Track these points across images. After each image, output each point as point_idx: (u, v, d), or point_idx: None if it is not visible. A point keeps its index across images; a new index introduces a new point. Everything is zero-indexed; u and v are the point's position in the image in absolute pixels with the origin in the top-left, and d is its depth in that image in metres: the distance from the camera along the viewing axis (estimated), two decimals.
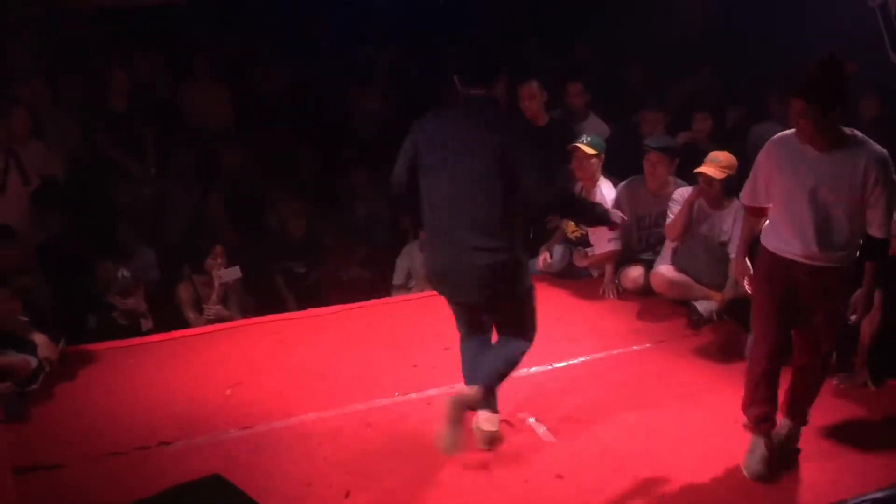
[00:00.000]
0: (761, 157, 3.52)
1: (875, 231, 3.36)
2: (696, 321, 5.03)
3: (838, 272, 3.41)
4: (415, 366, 4.51)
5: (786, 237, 3.43)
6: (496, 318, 3.67)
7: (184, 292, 5.23)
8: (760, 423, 3.57)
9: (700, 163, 5.06)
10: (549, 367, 4.51)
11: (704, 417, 4.01)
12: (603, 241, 5.50)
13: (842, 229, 3.35)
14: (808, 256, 3.38)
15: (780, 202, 3.47)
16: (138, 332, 4.90)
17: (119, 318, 4.91)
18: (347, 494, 3.40)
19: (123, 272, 4.97)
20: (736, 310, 4.77)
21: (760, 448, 3.54)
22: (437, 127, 3.47)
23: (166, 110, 6.51)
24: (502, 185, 3.33)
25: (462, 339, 3.75)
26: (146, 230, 5.79)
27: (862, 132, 3.35)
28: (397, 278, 5.96)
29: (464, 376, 3.70)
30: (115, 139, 5.96)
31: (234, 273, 5.21)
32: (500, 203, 3.36)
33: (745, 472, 3.53)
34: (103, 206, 5.65)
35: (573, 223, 5.65)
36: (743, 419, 3.67)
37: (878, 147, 3.32)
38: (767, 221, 3.58)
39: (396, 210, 3.40)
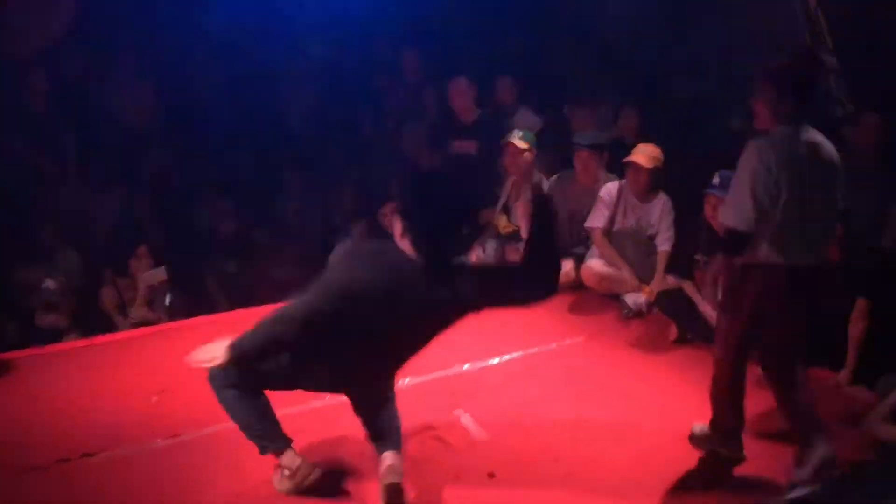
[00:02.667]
0: None
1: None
2: (627, 314, 5.09)
3: None
4: None
5: None
6: None
7: (107, 296, 5.09)
8: None
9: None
10: (484, 364, 4.52)
11: (636, 409, 4.05)
12: None
13: None
14: None
15: None
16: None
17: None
18: None
19: (48, 283, 4.76)
20: (665, 302, 4.85)
21: None
22: None
23: (89, 110, 6.30)
24: None
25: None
26: (68, 233, 5.61)
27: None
28: None
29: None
30: (33, 141, 5.76)
31: (160, 275, 5.09)
32: None
33: None
34: (22, 209, 5.45)
35: (505, 218, 5.67)
36: None
37: None
38: None
39: None
